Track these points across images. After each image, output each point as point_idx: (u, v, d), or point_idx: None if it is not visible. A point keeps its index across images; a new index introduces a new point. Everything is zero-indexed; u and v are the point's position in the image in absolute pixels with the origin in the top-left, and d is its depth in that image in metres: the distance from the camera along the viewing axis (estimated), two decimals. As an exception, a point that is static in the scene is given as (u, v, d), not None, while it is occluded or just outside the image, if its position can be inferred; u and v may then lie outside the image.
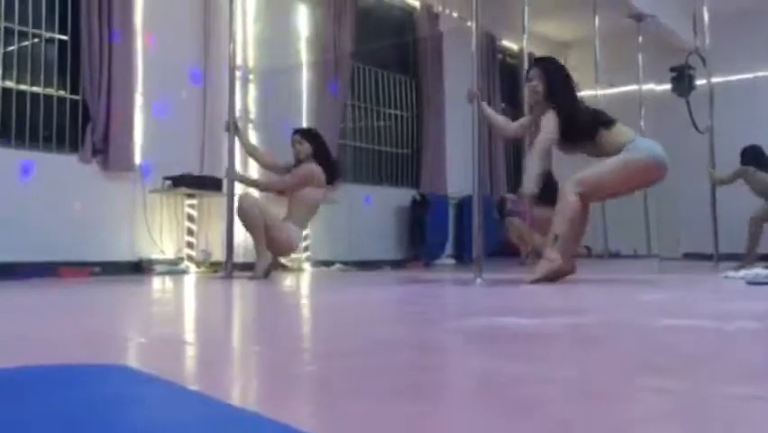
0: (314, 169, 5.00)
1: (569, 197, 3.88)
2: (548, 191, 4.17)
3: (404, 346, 1.59)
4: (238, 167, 5.50)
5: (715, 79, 6.56)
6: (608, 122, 4.03)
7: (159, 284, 4.47)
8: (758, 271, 4.34)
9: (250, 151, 5.45)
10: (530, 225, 6.44)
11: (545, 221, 4.41)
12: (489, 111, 4.55)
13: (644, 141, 4.18)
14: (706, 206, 6.48)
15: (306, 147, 5.07)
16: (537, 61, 4.40)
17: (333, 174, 5.14)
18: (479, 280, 3.80)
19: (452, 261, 8.26)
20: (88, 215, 5.53)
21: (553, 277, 3.85)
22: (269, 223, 4.87)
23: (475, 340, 1.68)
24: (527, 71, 4.32)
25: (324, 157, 5.13)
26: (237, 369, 1.34)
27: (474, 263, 3.92)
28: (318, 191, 5.07)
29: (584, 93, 9.03)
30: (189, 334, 1.96)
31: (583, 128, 3.98)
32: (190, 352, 1.57)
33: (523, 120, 4.59)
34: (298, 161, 5.09)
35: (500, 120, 4.61)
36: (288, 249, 5.16)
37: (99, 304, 3.06)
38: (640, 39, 8.64)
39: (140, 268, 5.77)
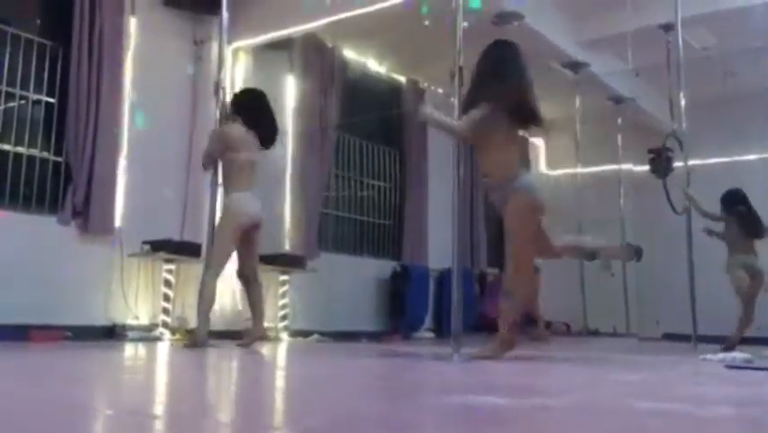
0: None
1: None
2: None
3: (379, 426, 1.56)
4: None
5: (692, 162, 6.68)
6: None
7: (131, 351, 4.38)
8: (735, 354, 4.34)
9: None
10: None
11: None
12: (441, 117, 4.04)
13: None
14: (685, 286, 6.49)
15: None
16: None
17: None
18: (456, 356, 3.75)
19: (431, 334, 8.18)
20: (63, 277, 5.45)
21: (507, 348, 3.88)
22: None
23: (450, 420, 1.65)
24: None
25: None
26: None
27: (453, 339, 3.88)
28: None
29: (564, 171, 9.23)
30: (158, 406, 1.91)
31: None
32: (158, 426, 1.53)
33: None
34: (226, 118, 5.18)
35: (454, 124, 3.98)
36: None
37: (69, 371, 2.99)
38: (619, 120, 8.86)
39: (113, 333, 5.66)
